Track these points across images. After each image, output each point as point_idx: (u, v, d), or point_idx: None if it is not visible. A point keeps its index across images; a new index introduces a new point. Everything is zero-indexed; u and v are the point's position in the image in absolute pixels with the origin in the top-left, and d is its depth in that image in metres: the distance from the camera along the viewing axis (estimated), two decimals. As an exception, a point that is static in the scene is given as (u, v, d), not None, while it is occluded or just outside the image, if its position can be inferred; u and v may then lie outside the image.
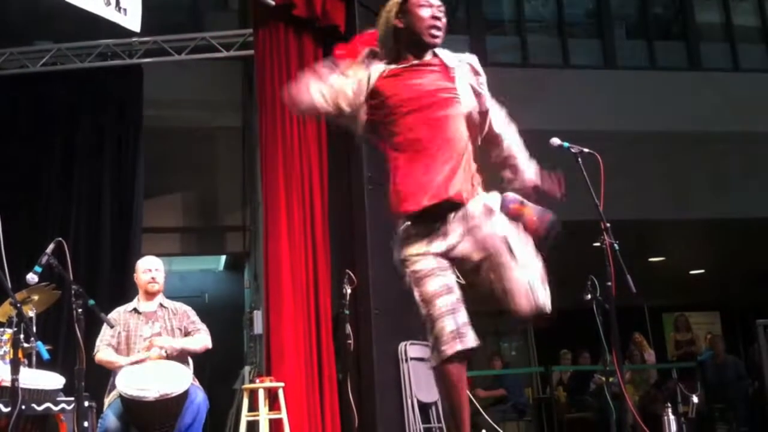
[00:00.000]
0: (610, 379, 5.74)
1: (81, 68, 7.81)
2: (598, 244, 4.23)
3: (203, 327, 5.15)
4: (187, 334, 5.07)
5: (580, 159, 4.20)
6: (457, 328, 2.83)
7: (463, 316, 2.87)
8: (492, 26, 11.08)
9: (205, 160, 8.99)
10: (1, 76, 7.72)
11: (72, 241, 6.87)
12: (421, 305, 2.90)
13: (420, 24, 3.03)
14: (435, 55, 3.09)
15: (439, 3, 3.09)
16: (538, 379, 12.35)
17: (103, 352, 4.91)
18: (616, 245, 4.07)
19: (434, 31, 3.04)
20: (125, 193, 7.68)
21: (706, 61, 11.10)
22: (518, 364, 13.42)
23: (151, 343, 4.86)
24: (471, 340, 2.85)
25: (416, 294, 2.92)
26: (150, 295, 5.12)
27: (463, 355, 2.84)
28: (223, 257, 11.21)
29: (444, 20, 3.07)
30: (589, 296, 4.96)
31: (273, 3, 6.94)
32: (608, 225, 4.13)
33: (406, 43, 3.06)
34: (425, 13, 3.04)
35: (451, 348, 2.82)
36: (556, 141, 4.25)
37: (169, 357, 4.85)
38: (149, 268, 5.15)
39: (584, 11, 11.62)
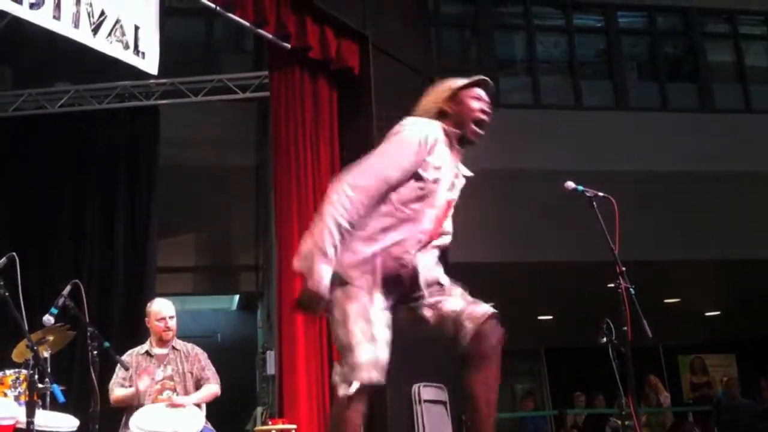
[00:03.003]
0: (626, 423, 5.67)
1: (98, 109, 7.90)
2: (612, 285, 4.21)
3: (213, 374, 5.14)
4: (197, 380, 5.07)
5: (594, 202, 4.20)
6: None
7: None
8: (504, 67, 11.16)
9: (219, 200, 9.03)
10: (20, 117, 7.82)
11: (85, 280, 6.87)
12: None
13: (469, 114, 3.05)
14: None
15: (488, 100, 3.11)
16: (552, 422, 12.21)
17: (117, 391, 4.92)
18: (631, 289, 4.06)
19: (479, 127, 3.05)
20: (139, 233, 7.71)
21: (718, 101, 11.13)
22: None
23: (163, 386, 4.85)
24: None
25: None
26: (164, 342, 5.12)
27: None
28: (237, 296, 11.21)
29: (488, 119, 3.08)
30: (604, 339, 4.92)
31: (288, 45, 7.03)
32: (624, 269, 4.12)
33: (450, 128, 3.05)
34: (475, 105, 3.07)
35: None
36: (570, 184, 4.27)
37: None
38: (164, 317, 5.13)
39: (596, 52, 11.70)
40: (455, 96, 3.09)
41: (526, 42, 11.14)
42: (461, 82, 3.12)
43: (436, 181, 2.92)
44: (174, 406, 4.72)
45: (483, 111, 3.07)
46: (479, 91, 3.11)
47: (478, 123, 3.06)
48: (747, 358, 14.98)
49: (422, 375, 6.36)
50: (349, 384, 2.66)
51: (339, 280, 2.75)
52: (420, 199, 2.89)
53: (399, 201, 2.87)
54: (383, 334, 2.75)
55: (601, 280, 5.15)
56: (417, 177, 2.89)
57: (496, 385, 2.90)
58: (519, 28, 11.31)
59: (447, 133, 3.01)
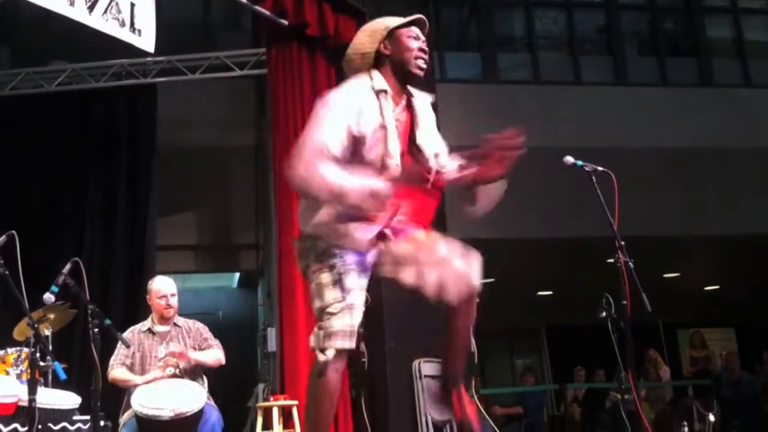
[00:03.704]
0: (626, 397, 5.71)
1: (96, 88, 7.88)
2: (612, 260, 4.21)
3: (216, 342, 5.16)
4: (200, 351, 5.09)
5: (594, 177, 4.20)
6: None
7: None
8: (503, 44, 11.10)
9: (219, 179, 9.03)
10: (17, 96, 7.80)
11: (87, 258, 6.89)
12: None
13: (408, 54, 3.01)
14: (408, 91, 3.08)
15: (424, 39, 3.08)
16: (552, 397, 12.28)
17: (117, 370, 4.93)
18: (630, 263, 4.06)
19: (421, 63, 3.02)
20: (139, 211, 7.72)
21: (718, 77, 11.09)
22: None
23: (166, 363, 4.87)
24: None
25: None
26: (165, 319, 5.13)
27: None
28: (237, 275, 11.25)
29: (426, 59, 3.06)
30: (603, 314, 4.92)
31: (286, 22, 6.99)
32: (623, 243, 4.11)
33: (390, 71, 3.03)
34: (414, 44, 3.03)
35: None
36: (569, 159, 4.26)
37: (182, 373, 4.86)
38: (164, 294, 5.13)
39: (595, 28, 11.63)
40: (391, 36, 3.04)
41: (525, 18, 11.07)
42: (396, 21, 3.07)
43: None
44: (170, 371, 4.75)
45: (422, 50, 3.03)
46: (416, 30, 3.07)
47: (419, 59, 3.02)
48: (746, 332, 15.05)
49: (423, 350, 6.37)
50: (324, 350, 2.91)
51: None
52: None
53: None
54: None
55: (601, 256, 5.16)
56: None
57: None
58: (518, 4, 11.24)
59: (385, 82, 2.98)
